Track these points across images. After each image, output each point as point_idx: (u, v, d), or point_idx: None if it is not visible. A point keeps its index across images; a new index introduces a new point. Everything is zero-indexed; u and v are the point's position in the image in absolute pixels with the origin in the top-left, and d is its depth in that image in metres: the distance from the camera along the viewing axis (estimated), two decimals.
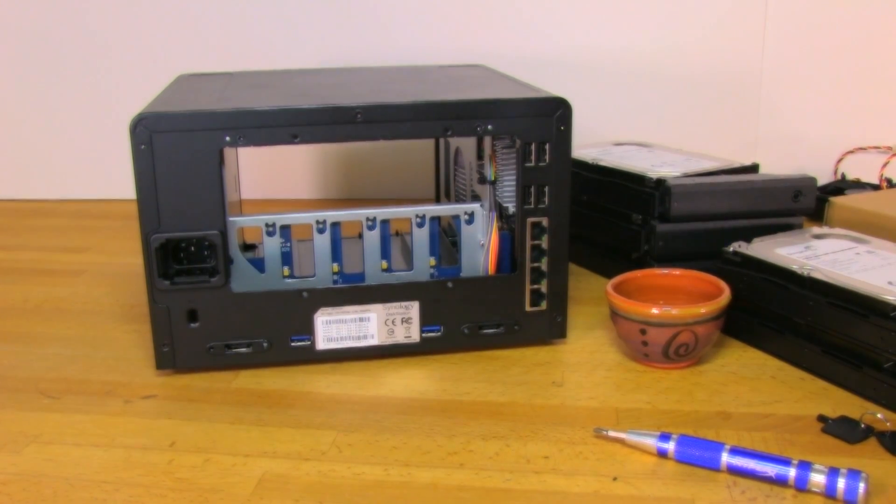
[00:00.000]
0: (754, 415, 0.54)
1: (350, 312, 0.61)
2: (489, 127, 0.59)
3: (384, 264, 0.62)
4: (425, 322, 0.62)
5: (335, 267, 0.62)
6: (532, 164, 0.60)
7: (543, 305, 0.63)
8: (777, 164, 0.99)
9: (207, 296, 0.59)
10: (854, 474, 0.44)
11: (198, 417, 0.55)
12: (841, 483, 0.44)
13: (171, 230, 0.57)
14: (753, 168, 0.80)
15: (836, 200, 0.79)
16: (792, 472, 0.46)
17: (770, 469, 0.46)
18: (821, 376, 0.59)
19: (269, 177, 1.09)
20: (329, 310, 0.61)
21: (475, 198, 0.68)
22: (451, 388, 0.59)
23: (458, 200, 0.76)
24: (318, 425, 0.54)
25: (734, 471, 0.47)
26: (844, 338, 0.57)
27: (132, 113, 0.56)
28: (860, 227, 0.70)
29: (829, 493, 0.45)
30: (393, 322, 0.62)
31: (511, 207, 0.62)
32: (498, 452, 0.51)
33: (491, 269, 0.63)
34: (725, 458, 0.47)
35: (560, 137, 0.60)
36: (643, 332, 0.59)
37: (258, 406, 0.57)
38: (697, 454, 0.48)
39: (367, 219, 0.61)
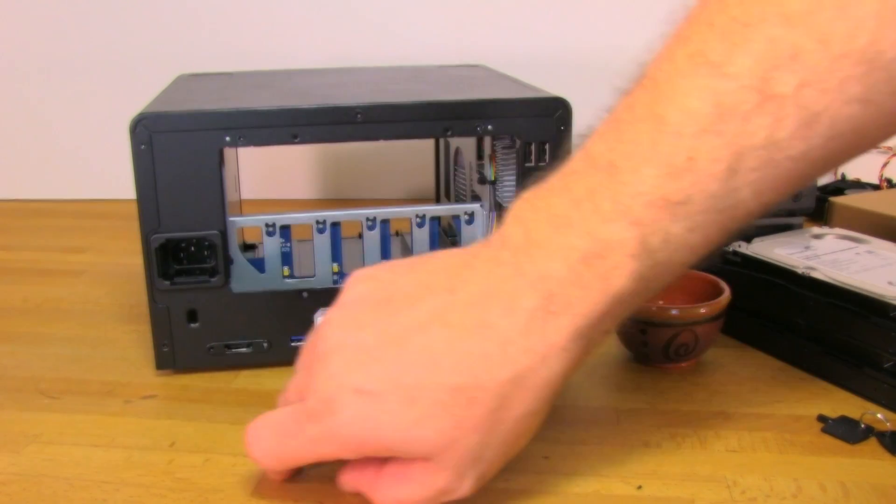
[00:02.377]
0: (754, 415, 0.54)
1: None
2: (489, 127, 0.59)
3: None
4: None
5: (335, 267, 0.62)
6: (532, 164, 0.60)
7: None
8: None
9: (207, 296, 0.59)
10: None
11: (198, 417, 0.55)
12: None
13: (171, 230, 0.57)
14: None
15: (836, 200, 0.79)
16: None
17: None
18: (821, 376, 0.59)
19: (269, 177, 1.09)
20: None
21: (475, 198, 0.68)
22: None
23: (458, 200, 0.76)
24: None
25: None
26: (844, 338, 0.57)
27: (132, 113, 0.56)
28: (860, 227, 0.70)
29: None
30: None
31: None
32: None
33: None
34: None
35: (560, 137, 0.60)
36: (643, 332, 0.59)
37: (258, 406, 0.57)
38: None
39: (367, 219, 0.61)
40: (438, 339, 0.39)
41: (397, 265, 0.43)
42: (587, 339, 0.40)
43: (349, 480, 0.42)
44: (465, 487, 0.41)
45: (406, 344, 0.39)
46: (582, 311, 0.39)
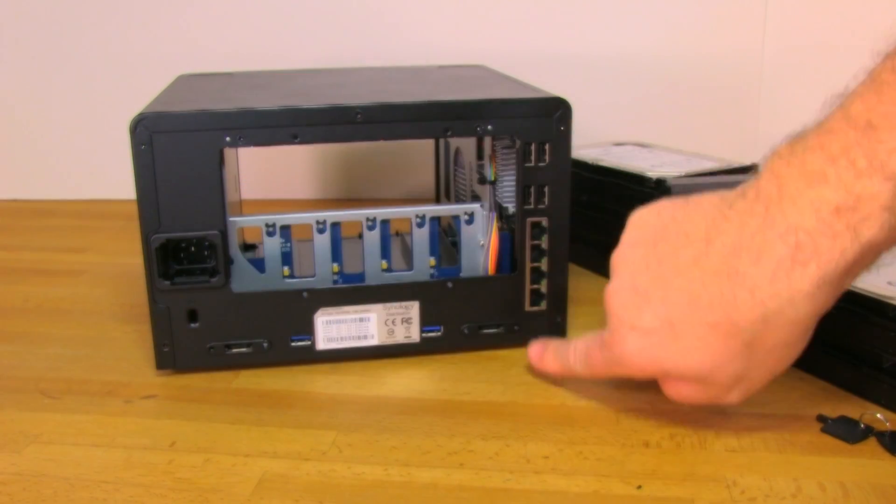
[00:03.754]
0: (754, 415, 0.54)
1: (350, 312, 0.61)
2: (489, 127, 0.59)
3: (384, 264, 0.62)
4: (425, 322, 0.62)
5: (335, 267, 0.62)
6: (532, 164, 0.60)
7: (543, 305, 0.63)
8: None
9: (207, 296, 0.59)
10: None
11: (198, 417, 0.55)
12: None
13: (171, 230, 0.57)
14: (753, 168, 0.80)
15: None
16: None
17: None
18: (821, 376, 0.59)
19: (269, 177, 1.09)
20: (329, 310, 0.61)
21: (475, 198, 0.68)
22: (451, 388, 0.59)
23: (458, 200, 0.76)
24: (318, 425, 0.54)
25: None
26: (844, 338, 0.57)
27: (132, 113, 0.56)
28: None
29: None
30: (393, 322, 0.62)
31: (511, 207, 0.62)
32: (498, 452, 0.51)
33: (491, 269, 0.63)
34: None
35: (560, 137, 0.60)
36: None
37: (258, 406, 0.57)
38: None
39: (367, 219, 0.61)
40: (696, 282, 0.45)
41: (667, 210, 0.49)
42: (834, 286, 0.43)
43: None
44: (733, 397, 0.48)
45: (669, 286, 0.46)
46: (829, 259, 0.42)
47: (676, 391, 0.49)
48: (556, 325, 0.64)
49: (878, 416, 0.52)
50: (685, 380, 0.48)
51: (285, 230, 0.61)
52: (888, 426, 0.52)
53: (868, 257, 0.43)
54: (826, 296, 0.44)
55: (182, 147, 0.56)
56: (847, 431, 0.51)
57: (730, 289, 0.44)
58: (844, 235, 0.42)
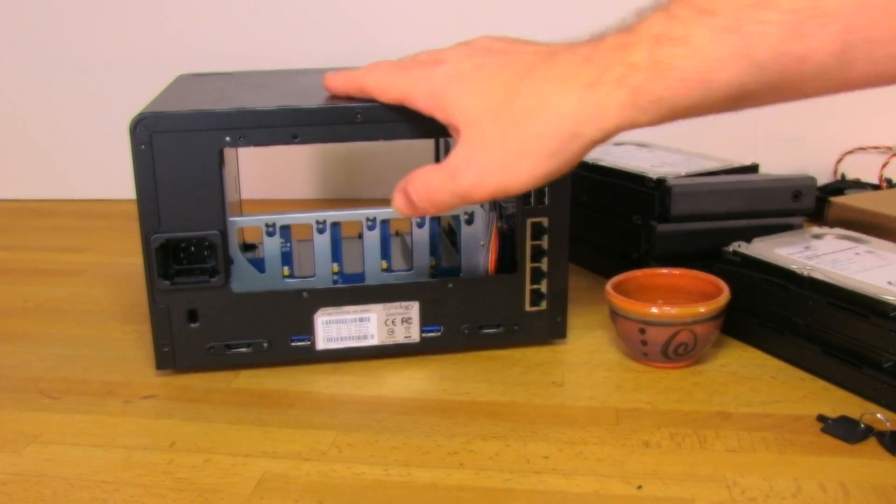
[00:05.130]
0: (754, 415, 0.54)
1: (350, 312, 0.61)
2: None
3: (384, 264, 0.62)
4: (425, 322, 0.62)
5: (335, 267, 0.62)
6: None
7: (543, 305, 0.63)
8: (777, 164, 0.99)
9: (207, 296, 0.59)
10: None
11: (198, 417, 0.55)
12: None
13: (171, 230, 0.57)
14: (753, 168, 0.80)
15: (836, 200, 0.79)
16: None
17: None
18: (821, 376, 0.59)
19: (269, 177, 1.09)
20: (329, 310, 0.61)
21: None
22: (451, 388, 0.59)
23: None
24: (318, 425, 0.54)
25: None
26: (844, 338, 0.57)
27: (132, 113, 0.56)
28: (860, 227, 0.70)
29: None
30: (393, 322, 0.62)
31: (511, 207, 0.62)
32: (498, 452, 0.51)
33: (491, 269, 0.63)
34: None
35: None
36: (642, 331, 0.59)
37: (258, 406, 0.57)
38: None
39: (367, 219, 0.61)
40: (519, 58, 0.48)
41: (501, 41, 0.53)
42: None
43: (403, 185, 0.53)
44: (468, 175, 0.48)
45: (491, 51, 0.50)
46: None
47: (421, 175, 0.51)
48: (556, 325, 0.64)
49: (878, 416, 0.52)
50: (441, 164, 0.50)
51: (285, 230, 0.61)
52: (888, 426, 0.52)
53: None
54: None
55: (182, 147, 0.56)
56: (847, 431, 0.51)
57: (524, 45, 0.49)
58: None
